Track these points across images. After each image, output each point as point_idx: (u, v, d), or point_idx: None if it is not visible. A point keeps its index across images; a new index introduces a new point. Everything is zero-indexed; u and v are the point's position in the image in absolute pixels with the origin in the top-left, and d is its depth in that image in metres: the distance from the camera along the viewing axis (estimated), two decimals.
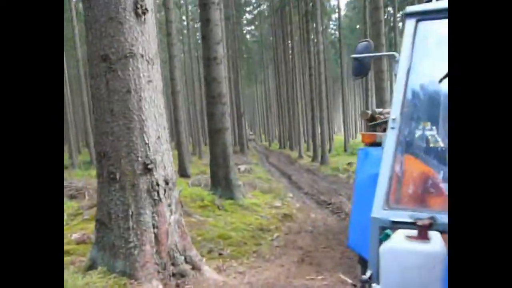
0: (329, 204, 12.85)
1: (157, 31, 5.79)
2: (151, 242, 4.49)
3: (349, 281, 5.64)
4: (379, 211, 2.56)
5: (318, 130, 27.15)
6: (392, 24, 32.31)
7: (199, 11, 11.69)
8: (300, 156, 31.10)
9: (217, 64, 10.65)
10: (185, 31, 42.75)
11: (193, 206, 9.24)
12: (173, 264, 4.73)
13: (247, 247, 7.02)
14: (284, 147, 43.25)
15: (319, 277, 5.68)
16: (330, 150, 28.16)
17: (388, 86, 18.28)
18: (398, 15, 32.41)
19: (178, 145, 18.40)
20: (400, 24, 33.49)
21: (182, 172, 17.52)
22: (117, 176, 4.44)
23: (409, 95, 2.81)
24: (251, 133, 62.32)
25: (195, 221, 8.08)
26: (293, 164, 27.70)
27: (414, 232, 2.30)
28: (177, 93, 18.45)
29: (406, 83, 2.79)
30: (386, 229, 2.49)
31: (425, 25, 2.83)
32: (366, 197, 3.33)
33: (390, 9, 35.55)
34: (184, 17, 42.95)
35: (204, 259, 5.29)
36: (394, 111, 2.75)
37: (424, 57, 2.86)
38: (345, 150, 32.20)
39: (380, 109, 7.60)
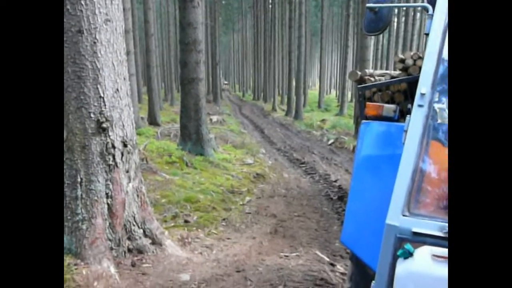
0: (303, 163, 12.51)
1: None
2: (103, 215, 3.77)
3: (326, 259, 5.15)
4: (397, 217, 1.91)
5: (294, 84, 26.45)
6: None
7: None
8: (274, 109, 30.59)
9: (193, 7, 9.67)
10: None
11: (159, 162, 8.52)
12: (129, 239, 4.06)
13: (216, 213, 6.41)
14: (258, 98, 42.49)
15: (294, 254, 5.15)
16: (304, 105, 27.57)
17: (372, 45, 17.59)
18: None
19: (149, 91, 17.60)
20: None
21: (152, 120, 16.97)
22: (64, 135, 3.64)
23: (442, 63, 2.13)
24: (225, 82, 61.07)
25: (161, 180, 7.39)
26: (267, 117, 27.20)
27: (444, 251, 1.71)
28: (150, 36, 17.58)
29: (442, 47, 2.10)
30: (405, 242, 1.87)
31: None
32: (363, 183, 2.76)
33: None
34: None
35: (166, 232, 4.63)
36: (423, 83, 2.06)
37: None
38: (319, 106, 31.81)
39: (371, 71, 6.95)
